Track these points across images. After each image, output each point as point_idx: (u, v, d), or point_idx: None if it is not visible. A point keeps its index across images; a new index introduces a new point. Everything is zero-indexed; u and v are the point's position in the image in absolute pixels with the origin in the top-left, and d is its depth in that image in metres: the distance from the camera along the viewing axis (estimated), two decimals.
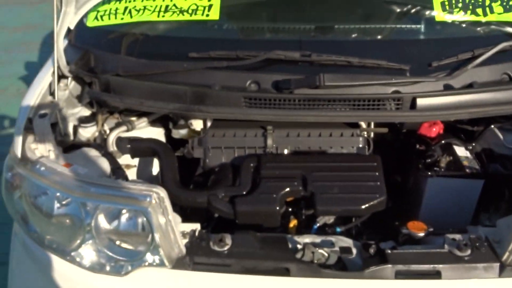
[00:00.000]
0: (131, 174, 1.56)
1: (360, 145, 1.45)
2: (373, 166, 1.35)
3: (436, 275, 1.11)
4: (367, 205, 1.28)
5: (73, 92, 1.53)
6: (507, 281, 1.11)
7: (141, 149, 1.48)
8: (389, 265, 1.11)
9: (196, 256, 1.15)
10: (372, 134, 1.53)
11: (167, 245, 1.13)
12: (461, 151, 1.50)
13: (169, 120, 1.62)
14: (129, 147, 1.47)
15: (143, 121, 1.60)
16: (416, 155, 1.47)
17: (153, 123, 1.66)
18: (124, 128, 1.54)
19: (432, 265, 1.11)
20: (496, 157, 1.51)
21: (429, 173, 1.40)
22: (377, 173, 1.33)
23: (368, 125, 1.49)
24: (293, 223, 1.35)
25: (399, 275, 1.11)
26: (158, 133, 1.68)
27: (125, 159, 1.55)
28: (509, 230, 1.13)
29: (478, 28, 1.52)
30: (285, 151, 1.46)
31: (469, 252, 1.13)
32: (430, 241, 1.23)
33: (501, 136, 1.52)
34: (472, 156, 1.49)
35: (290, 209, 1.40)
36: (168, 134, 1.69)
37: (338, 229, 1.35)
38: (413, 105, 1.30)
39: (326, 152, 1.43)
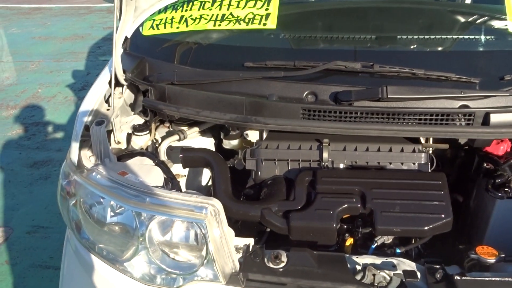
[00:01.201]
0: (181, 184, 1.54)
1: (423, 161, 1.37)
2: (438, 184, 1.26)
3: None
4: (431, 226, 1.19)
5: (127, 101, 1.54)
6: None
7: (194, 159, 1.46)
8: None
9: (250, 273, 1.10)
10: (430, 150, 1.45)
11: (221, 259, 1.09)
12: None
13: (220, 130, 1.60)
14: (181, 156, 1.45)
15: (194, 131, 1.59)
16: (484, 174, 1.37)
17: (203, 133, 1.64)
18: (176, 137, 1.53)
19: None
20: None
21: (499, 194, 1.30)
22: (442, 192, 1.24)
23: (427, 140, 1.41)
24: (349, 241, 1.28)
25: None
26: (208, 143, 1.67)
27: (175, 169, 1.54)
28: None
29: None
30: (341, 166, 1.40)
31: None
32: (501, 268, 1.13)
33: None
34: None
35: (345, 227, 1.34)
36: (218, 144, 1.67)
37: (398, 250, 1.27)
38: (485, 121, 1.21)
39: (385, 168, 1.36)
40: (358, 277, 1.09)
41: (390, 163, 1.38)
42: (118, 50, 1.46)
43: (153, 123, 1.51)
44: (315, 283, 1.08)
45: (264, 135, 1.41)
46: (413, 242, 1.30)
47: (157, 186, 1.19)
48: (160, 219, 1.12)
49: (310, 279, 1.08)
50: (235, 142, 1.58)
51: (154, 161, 1.35)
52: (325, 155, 1.38)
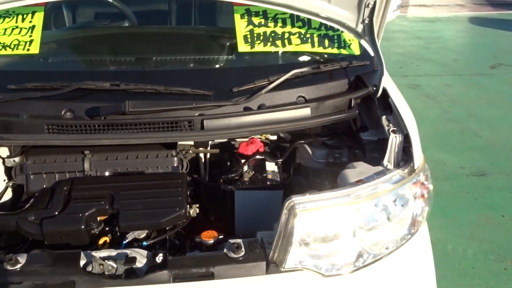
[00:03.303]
0: None
1: (175, 165, 1.59)
2: (177, 182, 1.48)
3: (211, 276, 1.24)
4: (166, 218, 1.40)
5: None
6: (272, 277, 1.26)
7: None
8: (166, 271, 1.23)
9: None
10: (204, 154, 1.68)
11: None
12: (270, 166, 1.68)
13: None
14: None
15: None
16: (222, 171, 1.62)
17: None
18: None
19: (206, 268, 1.25)
20: (302, 169, 1.70)
21: (230, 187, 1.56)
22: (180, 189, 1.46)
23: (195, 146, 1.63)
24: (102, 240, 1.45)
25: (176, 278, 1.23)
26: None
27: None
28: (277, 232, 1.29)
29: (278, 57, 1.72)
30: (106, 174, 1.57)
31: (242, 253, 1.28)
32: (220, 247, 1.37)
33: (310, 152, 1.72)
34: (278, 170, 1.67)
35: (107, 228, 1.50)
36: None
37: (145, 243, 1.46)
38: (202, 126, 1.46)
39: (135, 173, 1.55)
40: (89, 268, 1.26)
41: (148, 168, 1.58)
42: None
43: None
44: (47, 278, 1.22)
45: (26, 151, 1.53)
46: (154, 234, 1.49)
47: None
48: None
49: (41, 275, 1.23)
50: (18, 159, 1.68)
51: None
52: (87, 165, 1.54)
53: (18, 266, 1.23)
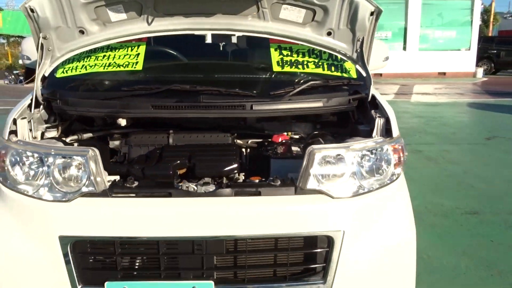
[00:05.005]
0: None
1: (229, 142, 2.31)
2: (232, 148, 2.20)
3: (259, 193, 1.90)
4: (225, 169, 2.09)
5: (42, 116, 2.34)
6: (299, 197, 1.91)
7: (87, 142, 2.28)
8: (229, 189, 1.89)
9: (115, 189, 1.89)
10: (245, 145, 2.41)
11: (99, 182, 1.87)
12: (294, 149, 2.38)
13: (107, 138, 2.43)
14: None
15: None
16: (262, 150, 2.34)
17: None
18: (75, 137, 2.34)
19: (255, 188, 1.91)
20: None
21: (269, 154, 2.26)
22: (233, 152, 2.17)
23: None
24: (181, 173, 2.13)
25: (236, 194, 1.89)
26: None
27: None
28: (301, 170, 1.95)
29: (300, 75, 2.52)
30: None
31: (279, 183, 1.94)
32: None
33: (323, 142, 2.43)
34: (300, 152, 2.36)
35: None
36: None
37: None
38: (251, 108, 2.20)
39: (204, 144, 2.28)
40: (179, 187, 1.94)
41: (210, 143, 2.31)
42: (39, 81, 2.29)
43: (60, 125, 2.34)
44: (152, 190, 1.89)
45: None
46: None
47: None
48: (59, 160, 1.88)
49: (149, 189, 1.90)
50: (116, 143, 2.42)
51: (59, 141, 2.15)
52: (170, 139, 2.27)
53: (135, 184, 1.91)
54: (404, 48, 20.61)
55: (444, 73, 20.76)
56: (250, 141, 2.47)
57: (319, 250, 1.91)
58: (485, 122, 9.52)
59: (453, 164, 6.20)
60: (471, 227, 4.12)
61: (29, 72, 23.25)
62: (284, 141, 2.42)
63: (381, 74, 19.19)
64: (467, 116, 10.49)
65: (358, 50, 2.34)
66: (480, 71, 20.70)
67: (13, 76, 22.61)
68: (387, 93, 13.94)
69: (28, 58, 2.83)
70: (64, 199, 1.86)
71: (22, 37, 27.85)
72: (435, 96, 13.87)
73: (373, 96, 2.36)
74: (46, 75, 2.39)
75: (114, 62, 2.44)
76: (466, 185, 5.32)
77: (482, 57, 21.84)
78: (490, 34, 29.22)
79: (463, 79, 19.76)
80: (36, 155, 1.91)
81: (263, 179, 2.04)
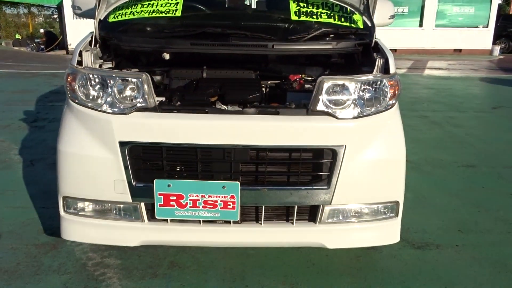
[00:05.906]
0: None
1: (253, 77, 2.76)
2: (255, 80, 2.67)
3: (278, 113, 2.36)
4: (250, 96, 2.55)
5: (98, 53, 2.82)
6: (310, 117, 2.36)
7: None
8: (253, 108, 2.36)
9: (163, 106, 2.37)
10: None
11: (150, 100, 2.35)
12: (307, 86, 2.83)
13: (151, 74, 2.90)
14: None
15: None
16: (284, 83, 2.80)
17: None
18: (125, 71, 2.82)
19: (275, 109, 2.37)
20: None
21: (286, 87, 2.71)
22: (256, 82, 2.63)
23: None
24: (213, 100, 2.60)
25: (259, 113, 2.35)
26: None
27: None
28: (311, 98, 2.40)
29: (314, 24, 2.94)
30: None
31: (294, 106, 2.40)
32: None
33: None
34: (308, 88, 2.80)
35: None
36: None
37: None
38: (272, 47, 2.64)
39: (232, 77, 2.74)
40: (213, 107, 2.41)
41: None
42: (97, 23, 2.75)
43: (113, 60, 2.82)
44: (191, 108, 2.36)
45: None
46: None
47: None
48: (119, 82, 2.36)
49: (191, 106, 2.37)
50: (159, 78, 2.89)
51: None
52: (204, 74, 2.74)
53: (178, 103, 2.39)
54: (421, 25, 20.60)
55: (460, 50, 20.76)
56: (270, 82, 2.92)
57: (324, 161, 2.37)
58: (495, 94, 9.80)
59: (457, 127, 6.58)
60: (466, 177, 4.55)
61: (49, 41, 23.93)
62: (298, 79, 2.87)
63: (395, 50, 19.29)
64: (477, 88, 10.74)
65: (365, 3, 2.74)
66: (497, 49, 20.64)
67: (34, 45, 23.21)
68: (400, 68, 14.16)
69: (79, 9, 3.29)
70: (123, 113, 2.34)
71: (43, 6, 28.41)
72: (447, 71, 14.05)
73: (376, 43, 2.78)
74: (101, 18, 2.85)
75: (157, 9, 2.89)
76: (466, 144, 5.72)
77: (500, 35, 21.72)
78: (511, 13, 28.78)
79: (478, 56, 19.78)
80: (100, 78, 2.38)
81: (286, 104, 2.50)
